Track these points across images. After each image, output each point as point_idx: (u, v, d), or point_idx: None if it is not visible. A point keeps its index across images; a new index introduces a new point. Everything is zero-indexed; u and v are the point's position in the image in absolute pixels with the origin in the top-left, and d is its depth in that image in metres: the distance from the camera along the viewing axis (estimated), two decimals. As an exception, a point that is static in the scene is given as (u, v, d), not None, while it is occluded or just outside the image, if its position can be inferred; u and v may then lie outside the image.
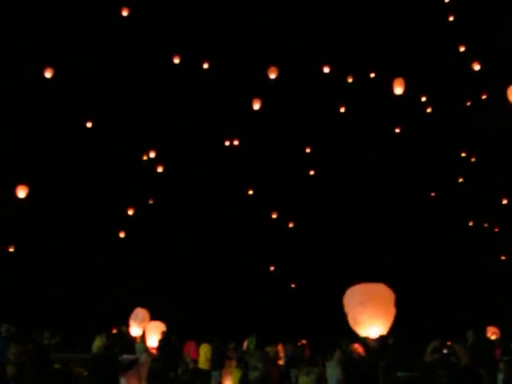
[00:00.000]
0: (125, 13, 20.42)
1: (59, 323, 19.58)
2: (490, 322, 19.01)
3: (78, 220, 29.15)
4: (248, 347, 17.63)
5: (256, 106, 21.07)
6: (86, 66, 26.26)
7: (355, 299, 9.70)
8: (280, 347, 17.32)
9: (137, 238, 29.28)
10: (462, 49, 22.84)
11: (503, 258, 31.54)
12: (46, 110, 27.11)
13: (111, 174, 29.27)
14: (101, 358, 8.49)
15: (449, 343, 12.75)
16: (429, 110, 26.31)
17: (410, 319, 21.39)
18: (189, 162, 30.07)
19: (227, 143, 27.18)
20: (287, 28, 25.73)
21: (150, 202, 29.32)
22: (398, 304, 9.86)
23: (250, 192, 29.25)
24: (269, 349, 8.27)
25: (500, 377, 13.58)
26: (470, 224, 31.59)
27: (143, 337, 14.58)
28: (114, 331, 15.53)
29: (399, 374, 9.58)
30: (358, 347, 8.85)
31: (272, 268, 32.42)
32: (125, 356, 10.88)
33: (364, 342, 9.46)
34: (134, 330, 14.37)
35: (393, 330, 10.03)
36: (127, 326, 14.30)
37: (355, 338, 10.24)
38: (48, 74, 20.85)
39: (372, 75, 25.17)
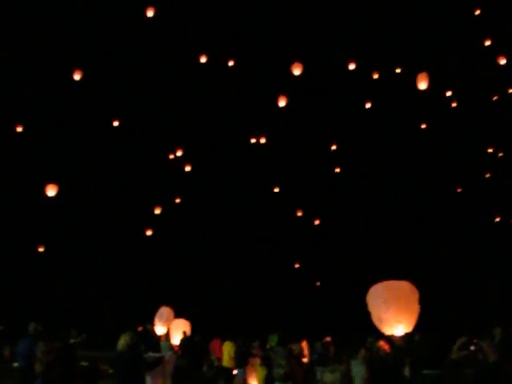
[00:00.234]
0: (150, 13, 20.58)
1: (85, 322, 19.83)
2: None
3: (106, 219, 29.49)
4: (270, 345, 17.63)
5: (282, 103, 21.04)
6: (113, 66, 26.56)
7: (378, 298, 9.61)
8: (304, 344, 17.28)
9: (163, 237, 29.48)
10: (487, 42, 22.44)
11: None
12: (74, 111, 27.51)
13: (139, 173, 29.60)
14: (126, 356, 8.52)
15: (475, 340, 12.56)
16: (454, 105, 25.99)
17: (435, 317, 21.15)
18: (215, 161, 30.18)
19: (253, 141, 27.20)
20: (312, 25, 25.64)
21: (177, 200, 29.49)
22: (423, 301, 9.75)
23: (276, 190, 29.29)
24: (294, 346, 8.24)
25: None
26: (497, 220, 31.12)
27: (168, 335, 14.65)
28: (140, 329, 15.65)
29: (426, 371, 9.47)
30: (383, 345, 8.76)
31: (297, 266, 32.37)
32: (150, 354, 10.94)
33: (389, 339, 9.37)
34: (159, 329, 14.45)
35: (418, 328, 9.93)
36: (152, 324, 14.38)
37: (380, 335, 10.15)
38: (77, 76, 21.25)
39: (398, 71, 24.91)
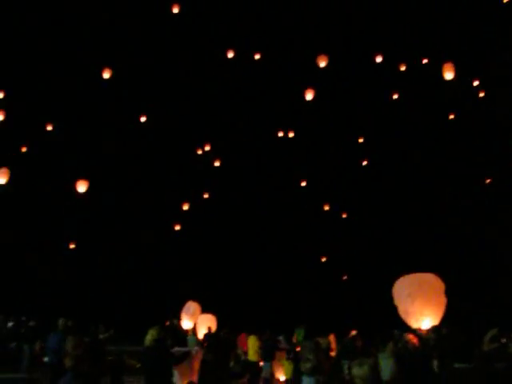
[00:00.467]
0: (175, 10, 20.76)
1: (113, 317, 20.03)
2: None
3: (134, 215, 29.80)
4: (297, 339, 17.61)
5: (309, 96, 20.98)
6: (140, 62, 26.83)
7: (403, 291, 9.52)
8: (332, 338, 17.21)
9: (190, 232, 29.66)
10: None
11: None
12: (103, 108, 27.85)
13: (167, 169, 29.86)
14: (154, 350, 8.57)
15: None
16: (481, 95, 25.56)
17: (463, 309, 20.91)
18: (242, 156, 30.27)
19: (280, 134, 27.18)
20: (339, 18, 25.55)
21: (205, 196, 29.66)
22: (451, 294, 9.60)
23: (303, 184, 29.28)
24: (321, 340, 8.20)
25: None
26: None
27: (194, 329, 14.73)
28: (167, 324, 15.76)
29: (457, 365, 9.35)
30: (412, 338, 8.67)
31: (323, 259, 32.29)
32: (177, 348, 11.00)
33: (417, 332, 9.27)
34: (186, 323, 14.53)
35: (446, 320, 9.79)
36: (179, 319, 14.48)
37: (407, 328, 10.05)
38: (106, 75, 21.54)
39: (424, 61, 24.61)
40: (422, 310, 9.39)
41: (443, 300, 9.54)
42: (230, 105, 28.81)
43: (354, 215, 30.79)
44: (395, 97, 25.45)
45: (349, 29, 25.85)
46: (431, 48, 24.64)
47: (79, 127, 28.18)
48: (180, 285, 26.54)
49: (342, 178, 30.75)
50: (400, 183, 30.30)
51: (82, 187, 20.76)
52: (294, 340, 18.73)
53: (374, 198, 31.14)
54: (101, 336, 12.66)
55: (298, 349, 14.08)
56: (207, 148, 26.69)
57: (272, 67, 26.37)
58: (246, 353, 17.64)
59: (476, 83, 24.95)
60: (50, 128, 25.31)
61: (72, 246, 28.91)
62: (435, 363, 8.29)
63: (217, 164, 26.84)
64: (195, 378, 10.67)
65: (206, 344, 13.84)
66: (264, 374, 16.83)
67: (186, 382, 10.23)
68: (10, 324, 18.90)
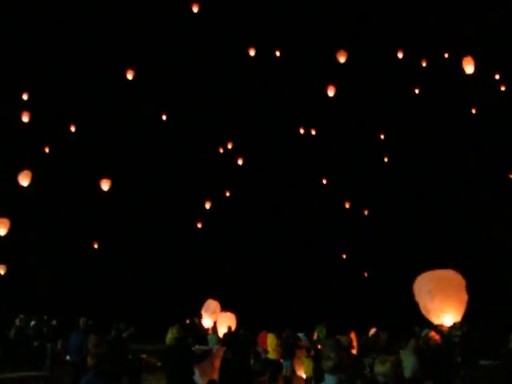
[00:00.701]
0: (195, 9, 20.87)
1: (134, 315, 20.15)
2: None
3: (156, 212, 30.01)
4: (318, 336, 17.52)
5: (330, 92, 20.92)
6: (161, 60, 27.03)
7: (424, 287, 9.42)
8: (353, 336, 17.12)
9: (211, 230, 29.78)
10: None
11: None
12: (126, 107, 28.12)
13: (190, 167, 30.03)
14: (174, 349, 8.58)
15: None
16: (503, 89, 25.24)
17: (487, 305, 20.67)
18: (263, 153, 30.33)
19: (302, 131, 27.14)
20: (361, 15, 25.48)
21: (227, 194, 29.75)
22: (472, 290, 9.47)
23: (324, 181, 29.24)
24: (342, 338, 8.14)
25: None
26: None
27: (215, 328, 14.72)
28: (187, 322, 15.79)
29: (482, 362, 9.22)
30: (434, 335, 8.58)
31: (344, 256, 32.20)
32: (197, 347, 11.01)
33: (438, 329, 9.17)
34: (206, 321, 14.54)
35: (468, 317, 9.67)
36: (199, 317, 14.49)
37: (428, 324, 9.96)
38: (129, 76, 21.77)
39: (445, 56, 24.37)
40: (442, 306, 9.28)
41: (464, 296, 9.41)
42: (251, 102, 28.88)
43: (375, 212, 30.64)
44: (416, 92, 25.20)
45: (369, 25, 25.74)
46: (452, 43, 24.40)
47: (102, 127, 28.48)
48: (200, 283, 26.62)
49: (363, 175, 30.63)
50: (420, 179, 30.07)
51: (105, 185, 21.11)
52: (314, 337, 18.64)
53: (394, 195, 30.96)
54: (126, 332, 12.74)
55: (319, 346, 14.02)
56: (229, 146, 26.79)
57: (293, 64, 26.39)
58: (266, 351, 17.63)
59: (497, 77, 24.63)
60: (73, 129, 25.63)
61: (95, 246, 29.19)
62: (458, 360, 8.21)
63: (239, 162, 26.90)
64: (216, 377, 10.67)
65: (224, 343, 13.83)
66: (285, 372, 16.81)
67: (207, 380, 10.23)
68: (33, 323, 19.09)
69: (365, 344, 15.83)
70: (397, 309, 25.07)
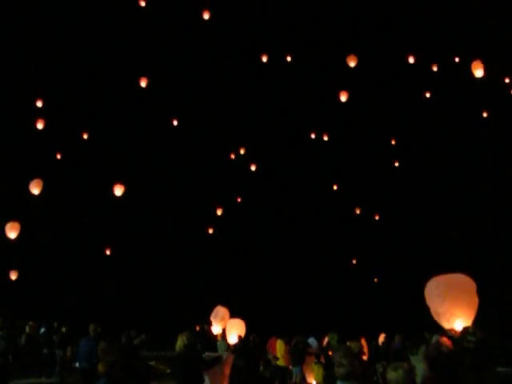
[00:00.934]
0: (206, 16, 20.98)
1: (144, 321, 20.15)
2: None
3: (167, 219, 30.09)
4: (329, 342, 17.42)
5: (343, 97, 20.91)
6: (173, 66, 27.19)
7: (434, 291, 9.37)
8: (363, 342, 17.01)
9: (221, 236, 29.80)
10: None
11: None
12: (139, 113, 28.29)
13: (202, 172, 30.11)
14: (184, 356, 8.57)
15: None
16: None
17: (496, 311, 20.50)
18: (274, 159, 30.39)
19: (313, 136, 27.14)
20: (371, 20, 25.52)
21: (238, 200, 29.79)
22: (482, 295, 9.38)
23: (335, 187, 29.22)
24: (353, 344, 8.11)
25: None
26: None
27: (224, 334, 14.69)
28: (197, 329, 15.77)
29: (500, 369, 9.16)
30: (445, 341, 8.49)
31: (354, 262, 32.11)
32: (207, 353, 10.99)
33: (450, 335, 9.10)
34: (215, 328, 14.50)
35: (479, 322, 9.59)
36: (209, 324, 14.45)
37: (438, 330, 9.88)
38: (143, 84, 21.93)
39: (456, 60, 24.32)
40: (451, 310, 9.22)
41: (475, 300, 9.34)
42: (262, 108, 28.98)
43: (386, 217, 30.57)
44: (427, 97, 25.16)
45: (381, 30, 25.77)
46: (462, 47, 24.37)
47: (115, 134, 28.67)
48: (209, 289, 26.61)
49: (374, 180, 30.59)
50: (431, 183, 29.98)
51: (118, 191, 21.21)
52: (324, 343, 18.56)
53: (405, 199, 30.89)
54: (137, 340, 12.73)
55: (330, 353, 13.95)
56: (241, 152, 26.86)
57: (304, 69, 26.47)
58: (276, 357, 17.54)
59: (507, 81, 24.55)
60: (85, 136, 25.81)
61: (108, 253, 29.25)
62: (471, 367, 8.11)
63: (252, 168, 26.96)
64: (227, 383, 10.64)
65: (235, 351, 13.79)
66: (294, 379, 16.73)
67: (217, 387, 10.20)
68: (42, 330, 19.14)
69: (375, 350, 15.73)
70: (407, 314, 24.95)
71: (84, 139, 25.80)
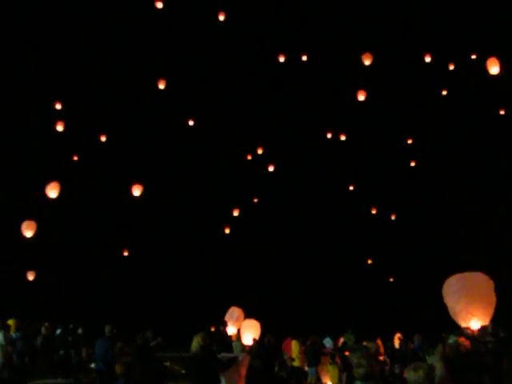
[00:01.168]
0: (221, 17, 21.05)
1: (159, 323, 20.19)
2: None
3: (183, 219, 30.18)
4: (345, 343, 17.38)
5: (361, 97, 20.84)
6: (191, 67, 27.31)
7: (451, 288, 9.34)
8: (379, 342, 16.94)
9: (238, 236, 29.80)
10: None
11: None
12: (157, 113, 28.44)
13: (219, 173, 30.20)
14: (200, 357, 8.56)
15: None
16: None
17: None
18: (290, 159, 30.37)
19: (329, 136, 27.10)
20: (387, 20, 25.46)
21: (254, 200, 29.80)
22: (501, 294, 9.29)
23: (351, 188, 29.19)
24: (369, 344, 8.05)
25: None
26: None
27: (238, 335, 14.68)
28: (212, 330, 15.76)
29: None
30: (464, 340, 8.44)
31: (370, 261, 32.00)
32: (223, 354, 10.97)
33: (467, 335, 9.03)
34: (230, 329, 14.50)
35: (496, 321, 9.50)
36: (225, 324, 14.46)
37: (457, 330, 9.79)
38: (161, 86, 22.12)
39: (473, 57, 24.12)
40: (468, 307, 9.17)
41: (492, 299, 9.28)
42: (278, 109, 29.02)
43: (402, 216, 30.42)
44: (444, 95, 24.99)
45: (397, 29, 25.68)
46: (478, 44, 24.16)
47: (133, 135, 28.87)
48: (224, 290, 26.61)
49: (390, 179, 30.47)
50: (448, 183, 29.76)
51: (136, 191, 21.39)
52: (339, 344, 18.50)
53: (421, 199, 30.71)
54: (154, 342, 12.74)
55: (347, 353, 13.90)
56: (259, 152, 26.91)
57: (320, 68, 26.46)
58: (291, 358, 17.49)
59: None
60: (103, 139, 25.99)
61: (125, 254, 29.40)
62: (490, 367, 8.04)
63: (270, 169, 27.00)
64: (243, 384, 10.61)
65: (250, 353, 13.78)
66: (310, 380, 16.66)
67: (233, 387, 10.17)
68: (58, 331, 19.26)
69: (391, 351, 15.65)
70: (422, 314, 24.80)
71: (101, 141, 25.97)
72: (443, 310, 9.72)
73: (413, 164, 29.04)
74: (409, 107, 28.60)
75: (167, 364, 16.98)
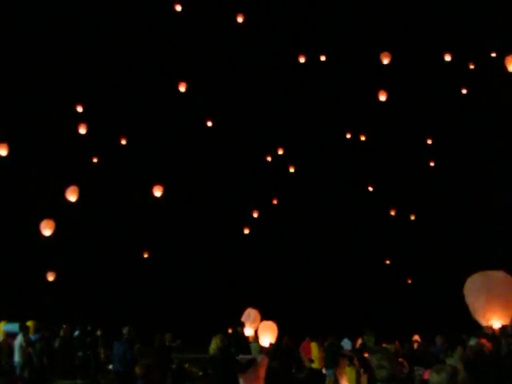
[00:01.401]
0: (240, 19, 21.13)
1: (176, 325, 20.24)
2: None
3: (201, 221, 30.25)
4: (365, 344, 17.21)
5: (382, 97, 20.73)
6: (212, 69, 27.43)
7: (472, 286, 9.30)
8: (397, 343, 16.76)
9: (257, 238, 29.80)
10: None
11: None
12: (177, 116, 28.58)
13: (239, 174, 30.25)
14: (219, 359, 8.57)
15: None
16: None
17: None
18: (309, 160, 30.33)
19: (348, 136, 27.02)
20: (408, 20, 25.35)
21: (274, 202, 29.79)
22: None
23: (370, 188, 29.09)
24: (389, 346, 7.99)
25: None
26: None
27: (256, 336, 14.66)
28: (230, 331, 15.75)
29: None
30: (485, 342, 8.32)
31: (388, 262, 31.82)
32: (241, 356, 10.95)
33: (488, 335, 8.93)
34: (247, 330, 14.49)
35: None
36: (242, 326, 14.44)
37: (477, 332, 9.67)
38: (182, 88, 22.24)
39: (493, 55, 23.87)
40: (487, 305, 9.11)
41: (512, 298, 9.19)
42: (298, 109, 29.01)
43: (421, 217, 30.20)
44: (464, 92, 24.76)
45: (417, 28, 25.55)
46: (498, 42, 23.90)
47: (153, 137, 29.04)
48: (241, 291, 26.60)
49: (410, 180, 30.29)
50: (468, 183, 29.49)
51: (157, 192, 21.53)
52: (357, 345, 18.37)
53: (441, 199, 30.46)
54: (173, 344, 12.77)
55: (366, 355, 13.77)
56: (279, 152, 26.92)
57: (338, 69, 26.41)
58: (311, 360, 17.39)
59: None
60: (123, 142, 26.17)
61: (145, 256, 29.54)
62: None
63: (291, 170, 26.99)
64: (261, 386, 10.57)
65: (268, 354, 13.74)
66: (328, 382, 16.53)
67: (251, 389, 10.14)
68: (76, 333, 19.36)
69: (410, 352, 15.45)
70: (441, 316, 24.56)
71: (122, 144, 26.15)
72: (462, 311, 9.63)
73: (432, 164, 28.80)
74: (428, 107, 28.38)
75: (186, 366, 16.99)
